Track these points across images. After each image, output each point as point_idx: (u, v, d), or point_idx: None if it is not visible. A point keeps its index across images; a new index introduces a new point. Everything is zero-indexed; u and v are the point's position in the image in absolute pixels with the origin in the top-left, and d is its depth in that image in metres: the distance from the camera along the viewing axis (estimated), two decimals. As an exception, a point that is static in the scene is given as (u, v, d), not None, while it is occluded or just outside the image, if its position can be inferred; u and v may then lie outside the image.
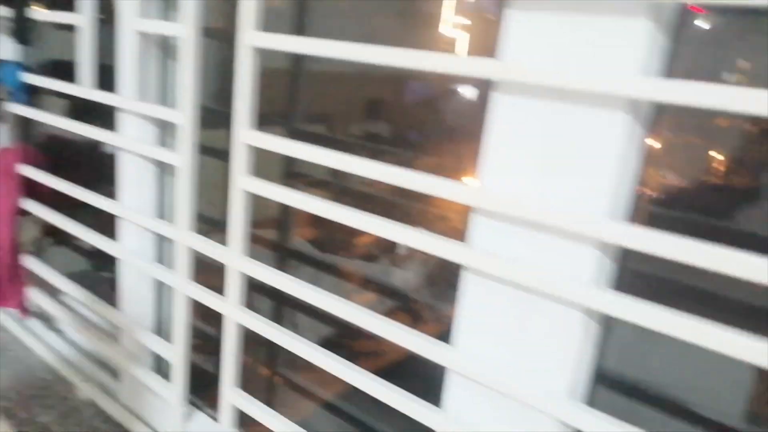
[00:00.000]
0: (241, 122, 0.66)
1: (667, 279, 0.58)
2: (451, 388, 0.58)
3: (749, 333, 0.41)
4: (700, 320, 0.42)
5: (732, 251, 0.40)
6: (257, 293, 1.10)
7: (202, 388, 0.90)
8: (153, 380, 0.91)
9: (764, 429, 0.69)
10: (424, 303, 1.20)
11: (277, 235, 1.13)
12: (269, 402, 0.76)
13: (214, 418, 0.85)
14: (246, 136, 0.66)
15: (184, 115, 0.72)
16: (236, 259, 0.70)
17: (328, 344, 0.67)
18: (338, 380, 0.67)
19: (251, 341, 1.10)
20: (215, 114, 0.76)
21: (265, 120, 0.68)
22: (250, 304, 1.03)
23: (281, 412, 0.74)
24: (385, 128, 1.11)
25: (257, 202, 1.05)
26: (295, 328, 0.80)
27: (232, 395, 0.77)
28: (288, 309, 1.12)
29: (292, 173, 0.97)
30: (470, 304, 0.55)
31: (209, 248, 0.74)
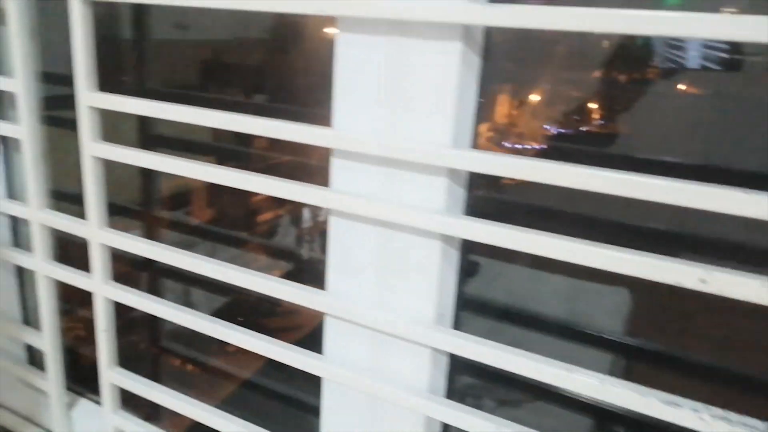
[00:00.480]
0: (83, 83, 0.61)
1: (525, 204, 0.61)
2: (329, 333, 0.59)
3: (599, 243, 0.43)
4: (548, 234, 0.45)
5: (566, 164, 0.42)
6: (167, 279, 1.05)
7: (91, 376, 0.86)
8: (28, 373, 0.85)
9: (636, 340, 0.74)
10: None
11: (171, 217, 1.08)
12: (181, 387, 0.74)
13: (99, 403, 0.81)
14: (89, 98, 0.61)
15: (19, 82, 0.66)
16: (96, 231, 0.67)
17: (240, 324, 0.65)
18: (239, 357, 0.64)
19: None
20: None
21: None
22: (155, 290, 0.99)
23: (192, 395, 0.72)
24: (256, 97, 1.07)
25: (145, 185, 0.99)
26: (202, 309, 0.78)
27: (110, 374, 0.73)
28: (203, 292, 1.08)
29: (158, 140, 0.93)
30: (338, 247, 0.56)
31: (66, 224, 0.69)
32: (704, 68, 0.56)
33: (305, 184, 0.54)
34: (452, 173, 0.49)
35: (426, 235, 0.50)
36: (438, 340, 0.51)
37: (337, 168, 0.53)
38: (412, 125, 0.48)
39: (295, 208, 1.14)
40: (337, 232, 0.55)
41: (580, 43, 0.63)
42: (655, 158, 0.55)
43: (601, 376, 0.45)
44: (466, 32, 0.45)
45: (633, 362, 0.74)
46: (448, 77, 0.46)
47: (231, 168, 0.57)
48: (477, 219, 0.47)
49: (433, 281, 0.52)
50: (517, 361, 0.48)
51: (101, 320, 0.71)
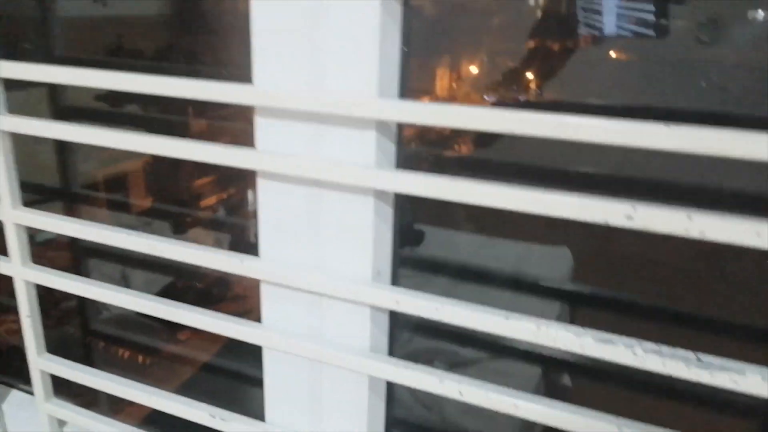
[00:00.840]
0: (-20, 51, 0.57)
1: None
2: (266, 300, 0.57)
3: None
4: (478, 182, 0.44)
5: (493, 109, 0.42)
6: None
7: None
8: (-50, 369, 0.80)
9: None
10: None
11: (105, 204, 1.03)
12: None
13: (31, 392, 0.77)
14: (-12, 66, 0.57)
15: None
16: (9, 210, 0.62)
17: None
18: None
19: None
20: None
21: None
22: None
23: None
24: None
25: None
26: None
27: (39, 362, 0.70)
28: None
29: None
30: (268, 210, 0.54)
31: (-24, 205, 0.65)
32: (633, 33, 0.56)
33: (228, 145, 0.51)
34: (381, 126, 0.47)
35: (358, 192, 0.49)
36: (375, 296, 0.50)
37: (261, 127, 0.51)
38: (336, 76, 0.46)
39: (238, 191, 1.11)
40: (265, 195, 0.53)
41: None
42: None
43: (537, 320, 0.45)
44: (385, -25, 0.43)
45: (575, 310, 0.76)
46: (368, 24, 0.44)
47: (149, 134, 0.54)
48: (407, 171, 0.46)
49: (368, 239, 0.51)
50: (456, 312, 0.48)
51: (23, 306, 0.67)
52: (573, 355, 0.45)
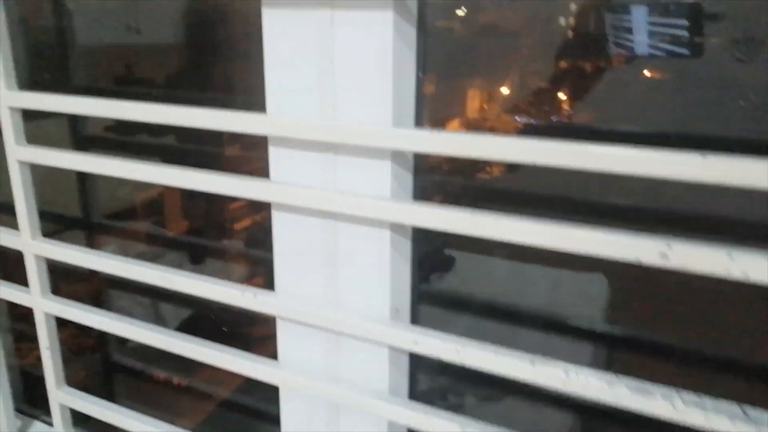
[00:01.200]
0: (2, 82, 0.57)
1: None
2: (283, 337, 0.55)
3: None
4: (500, 216, 0.41)
5: (516, 138, 0.39)
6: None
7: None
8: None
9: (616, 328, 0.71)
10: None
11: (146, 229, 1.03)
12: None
13: (51, 424, 0.77)
14: (9, 97, 0.57)
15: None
16: (29, 241, 0.62)
17: (223, 334, 0.60)
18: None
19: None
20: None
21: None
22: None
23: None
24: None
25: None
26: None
27: (58, 394, 0.69)
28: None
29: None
30: (283, 243, 0.52)
31: (-2, 236, 0.65)
32: (666, 53, 0.52)
33: (242, 176, 0.50)
34: (396, 156, 0.45)
35: (374, 224, 0.47)
36: (393, 336, 0.48)
37: (275, 158, 0.49)
38: (349, 105, 0.44)
39: (267, 218, 1.09)
40: (281, 228, 0.51)
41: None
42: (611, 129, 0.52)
43: (566, 366, 0.42)
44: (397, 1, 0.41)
45: (615, 352, 0.71)
46: (382, 50, 0.42)
47: (165, 165, 0.53)
48: (425, 203, 0.44)
49: (385, 274, 0.48)
50: (478, 356, 0.44)
51: (43, 338, 0.66)
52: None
